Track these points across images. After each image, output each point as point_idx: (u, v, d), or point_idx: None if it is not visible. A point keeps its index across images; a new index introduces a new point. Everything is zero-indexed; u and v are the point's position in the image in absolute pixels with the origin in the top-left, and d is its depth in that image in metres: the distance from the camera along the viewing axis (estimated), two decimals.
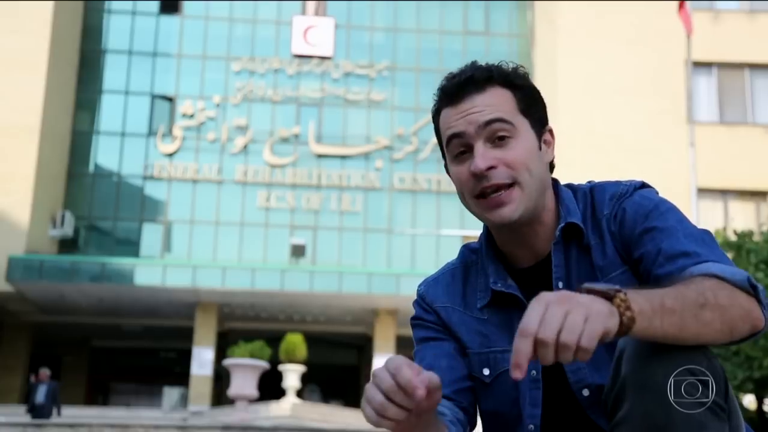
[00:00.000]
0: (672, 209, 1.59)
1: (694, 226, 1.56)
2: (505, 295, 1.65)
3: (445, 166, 1.71)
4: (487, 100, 1.59)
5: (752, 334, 1.39)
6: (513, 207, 1.57)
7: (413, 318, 1.75)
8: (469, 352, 1.68)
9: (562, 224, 1.62)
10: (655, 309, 1.26)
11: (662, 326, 1.27)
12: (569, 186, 1.71)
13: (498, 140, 1.58)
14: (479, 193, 1.59)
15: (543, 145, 1.65)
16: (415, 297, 1.78)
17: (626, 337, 1.29)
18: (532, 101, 1.65)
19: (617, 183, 1.67)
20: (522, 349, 1.16)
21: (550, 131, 1.68)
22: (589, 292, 1.23)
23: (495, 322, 1.67)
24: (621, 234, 1.60)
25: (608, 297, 1.22)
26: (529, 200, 1.58)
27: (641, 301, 1.25)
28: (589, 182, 1.72)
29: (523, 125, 1.61)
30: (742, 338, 1.39)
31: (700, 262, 1.46)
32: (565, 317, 1.16)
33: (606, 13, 23.12)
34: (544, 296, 1.20)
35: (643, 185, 1.65)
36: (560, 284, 1.61)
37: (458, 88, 1.61)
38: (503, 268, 1.68)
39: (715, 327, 1.33)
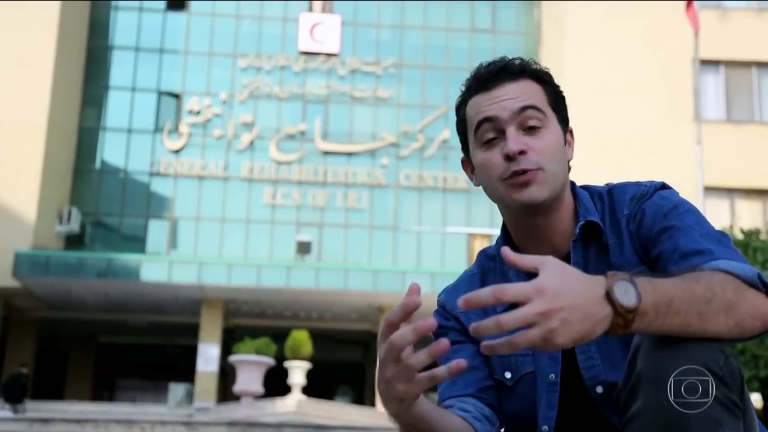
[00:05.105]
0: (691, 210, 1.59)
1: (712, 228, 1.56)
2: None
3: (464, 157, 1.71)
4: (521, 89, 1.61)
5: (764, 330, 1.40)
6: (539, 188, 1.57)
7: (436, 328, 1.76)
8: (491, 356, 1.67)
9: (582, 222, 1.62)
10: (659, 312, 1.27)
11: (662, 327, 1.29)
12: (584, 187, 1.71)
13: (529, 129, 1.60)
14: (508, 176, 1.59)
15: (566, 143, 1.67)
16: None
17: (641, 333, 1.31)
18: (560, 99, 1.68)
19: (638, 184, 1.66)
20: (483, 299, 1.21)
21: (571, 132, 1.70)
22: (608, 294, 1.23)
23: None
24: (639, 234, 1.60)
25: (614, 308, 1.23)
26: (553, 186, 1.59)
27: (649, 304, 1.26)
28: (606, 185, 1.72)
29: (553, 118, 1.64)
30: (753, 335, 1.39)
31: (713, 260, 1.46)
32: (540, 320, 1.19)
33: (613, 11, 23.06)
34: (545, 284, 1.20)
35: (664, 186, 1.65)
36: None
37: (492, 75, 1.63)
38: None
39: (720, 321, 1.33)
